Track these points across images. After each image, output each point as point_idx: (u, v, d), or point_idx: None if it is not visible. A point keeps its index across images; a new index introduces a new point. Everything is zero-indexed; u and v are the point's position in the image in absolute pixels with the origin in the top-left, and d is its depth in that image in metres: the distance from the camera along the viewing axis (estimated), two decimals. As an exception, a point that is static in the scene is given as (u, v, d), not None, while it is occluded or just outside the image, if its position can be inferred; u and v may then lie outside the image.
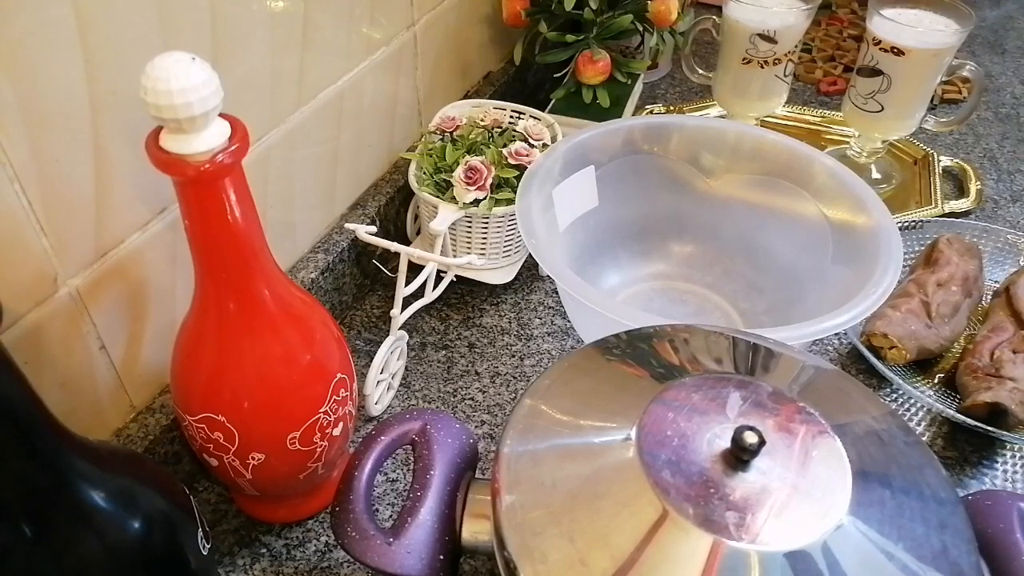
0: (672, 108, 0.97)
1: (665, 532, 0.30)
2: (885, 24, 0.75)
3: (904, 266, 0.65)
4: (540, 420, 0.36)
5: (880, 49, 0.76)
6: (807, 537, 0.30)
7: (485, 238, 0.66)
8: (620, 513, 0.31)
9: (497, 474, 0.34)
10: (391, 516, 0.54)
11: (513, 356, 0.66)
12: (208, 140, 0.36)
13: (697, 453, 0.33)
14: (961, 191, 0.85)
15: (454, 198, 0.64)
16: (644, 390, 0.36)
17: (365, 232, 0.59)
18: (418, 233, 0.74)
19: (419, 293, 0.62)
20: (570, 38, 0.80)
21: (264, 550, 0.52)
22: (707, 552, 0.29)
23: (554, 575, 0.30)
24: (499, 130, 0.70)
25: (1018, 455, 0.59)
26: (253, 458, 0.45)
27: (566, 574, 0.30)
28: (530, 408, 0.37)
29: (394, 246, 0.59)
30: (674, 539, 0.30)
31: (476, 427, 0.60)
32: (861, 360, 0.65)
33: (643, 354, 0.40)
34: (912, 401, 0.62)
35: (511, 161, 0.65)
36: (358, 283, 0.70)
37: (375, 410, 0.61)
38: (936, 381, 0.64)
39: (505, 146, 0.67)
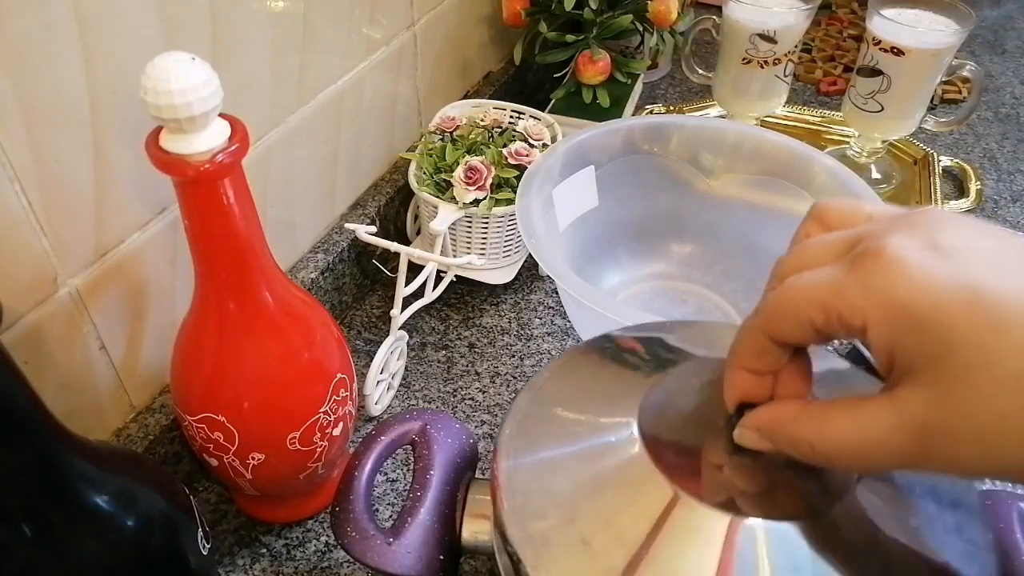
0: (672, 108, 0.97)
1: (677, 514, 0.29)
2: (885, 24, 0.75)
3: (904, 266, 0.65)
4: (539, 412, 0.36)
5: (880, 49, 0.76)
6: (817, 510, 0.30)
7: (485, 238, 0.66)
8: (627, 499, 0.31)
9: (496, 472, 0.34)
10: (391, 516, 0.54)
11: (513, 356, 0.66)
12: (208, 140, 0.36)
13: (701, 433, 0.32)
14: (961, 191, 0.85)
15: (454, 198, 0.64)
16: (643, 378, 0.36)
17: (365, 232, 0.59)
18: (418, 233, 0.74)
19: (419, 293, 0.62)
20: (570, 38, 0.80)
21: (264, 550, 0.52)
22: (719, 530, 0.29)
23: (560, 567, 0.30)
24: (499, 130, 0.70)
25: (1018, 455, 0.59)
26: (253, 458, 0.45)
27: (574, 566, 0.30)
28: (528, 403, 0.37)
29: (394, 246, 0.59)
30: (686, 520, 0.29)
31: (476, 427, 0.60)
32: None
33: (642, 348, 0.40)
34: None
35: (511, 161, 0.65)
36: (358, 283, 0.70)
37: (375, 410, 0.61)
38: (936, 381, 0.64)
39: (505, 146, 0.67)
